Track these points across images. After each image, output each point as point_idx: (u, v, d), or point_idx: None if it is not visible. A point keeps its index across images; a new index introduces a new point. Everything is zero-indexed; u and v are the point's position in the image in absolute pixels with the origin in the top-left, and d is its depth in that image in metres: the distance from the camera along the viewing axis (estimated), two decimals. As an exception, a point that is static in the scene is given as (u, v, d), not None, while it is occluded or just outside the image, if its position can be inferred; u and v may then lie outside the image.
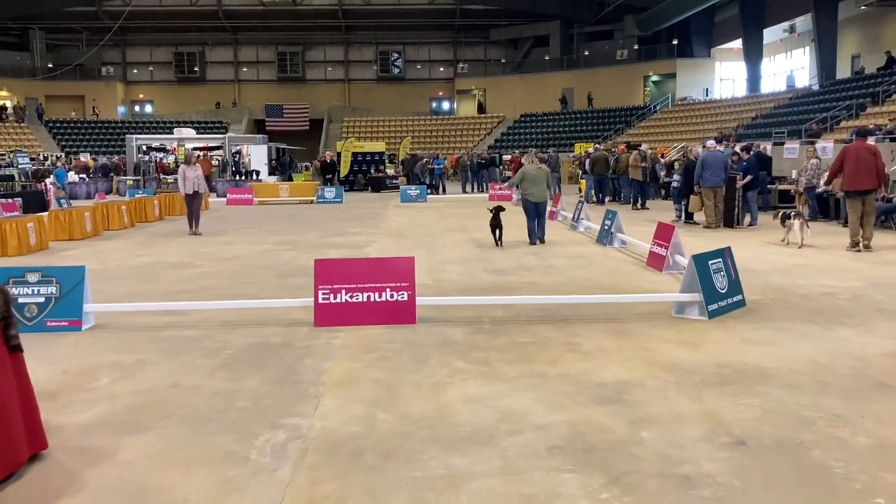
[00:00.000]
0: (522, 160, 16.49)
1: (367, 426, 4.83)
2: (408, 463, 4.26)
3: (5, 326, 4.19)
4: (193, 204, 17.04)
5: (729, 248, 8.44)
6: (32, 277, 7.66)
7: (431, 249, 13.65)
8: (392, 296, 7.60)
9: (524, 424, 4.81)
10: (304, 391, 5.56)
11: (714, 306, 7.75)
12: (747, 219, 16.82)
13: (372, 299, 7.59)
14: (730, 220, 16.52)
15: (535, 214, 14.29)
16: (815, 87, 38.58)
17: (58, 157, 44.41)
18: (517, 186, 14.76)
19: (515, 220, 15.68)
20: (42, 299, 7.61)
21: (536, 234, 14.28)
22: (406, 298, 7.60)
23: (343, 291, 7.61)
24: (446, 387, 5.61)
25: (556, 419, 4.89)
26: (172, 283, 10.53)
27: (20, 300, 7.57)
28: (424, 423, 4.87)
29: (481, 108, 59.30)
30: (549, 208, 15.31)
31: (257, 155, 38.38)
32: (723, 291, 7.95)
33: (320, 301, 7.62)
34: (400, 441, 4.56)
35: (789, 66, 46.41)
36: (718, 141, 27.02)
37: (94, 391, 5.64)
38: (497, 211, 14.18)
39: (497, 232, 14.17)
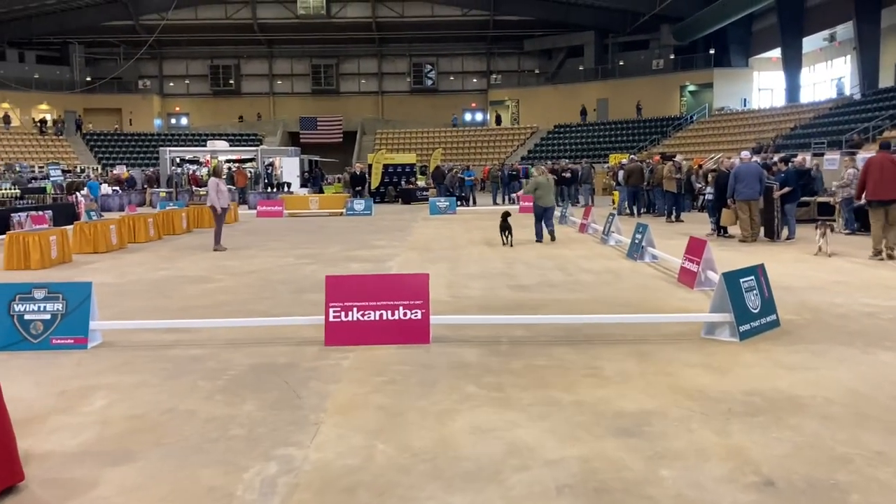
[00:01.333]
0: (533, 171, 19.47)
1: (365, 458, 4.50)
2: (403, 502, 3.93)
3: (-24, 352, 3.95)
4: (224, 218, 16.80)
5: (762, 265, 8.00)
6: (39, 294, 7.47)
7: (455, 263, 13.33)
8: (405, 314, 7.29)
9: (533, 459, 4.45)
10: (303, 418, 5.26)
11: (746, 327, 7.32)
12: (784, 232, 16.23)
13: (384, 318, 7.28)
14: (769, 231, 15.98)
15: (543, 217, 16.74)
16: (857, 97, 37.66)
17: (94, 170, 44.98)
18: (533, 193, 16.93)
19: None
20: (48, 316, 7.40)
21: (544, 233, 16.79)
22: (420, 317, 7.28)
23: (355, 309, 7.31)
24: (453, 415, 5.27)
25: (568, 453, 4.53)
26: (188, 298, 10.33)
27: (26, 317, 7.39)
28: (426, 455, 4.54)
29: (499, 121, 58.96)
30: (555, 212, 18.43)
31: (289, 167, 38.47)
32: (755, 311, 7.52)
33: (331, 319, 7.33)
34: (397, 476, 4.23)
35: (830, 75, 45.42)
36: (756, 152, 26.46)
37: (85, 415, 5.38)
38: (505, 216, 16.43)
39: (505, 233, 16.26)
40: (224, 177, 17.24)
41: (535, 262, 13.29)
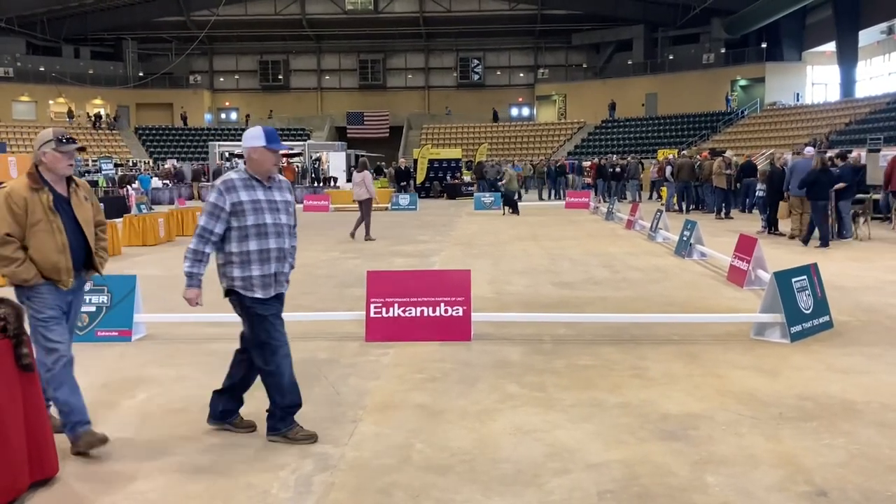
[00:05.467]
0: (505, 168, 28.22)
1: (402, 459, 4.43)
2: (439, 504, 3.85)
3: (16, 344, 3.97)
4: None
5: (815, 265, 7.76)
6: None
7: (498, 259, 13.21)
8: (446, 311, 7.20)
9: (574, 462, 4.34)
10: (341, 415, 5.21)
11: (797, 328, 7.09)
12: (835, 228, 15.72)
13: (425, 314, 7.21)
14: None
15: (511, 196, 24.99)
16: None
17: (146, 163, 45.72)
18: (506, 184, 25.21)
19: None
20: (93, 308, 7.47)
21: (511, 210, 24.69)
22: (461, 314, 7.20)
23: (396, 305, 7.26)
24: (493, 415, 5.17)
25: (611, 457, 4.40)
26: (232, 291, 10.35)
27: (72, 309, 7.47)
28: (464, 456, 4.45)
29: (495, 117, 58.47)
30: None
31: (336, 162, 38.66)
32: (807, 312, 7.28)
33: (372, 315, 7.28)
34: (434, 478, 4.15)
35: (888, 69, 44.12)
36: (813, 146, 25.81)
37: (127, 409, 5.41)
38: (510, 195, 25.03)
39: (506, 208, 24.74)
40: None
41: (580, 259, 13.12)
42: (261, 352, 4.69)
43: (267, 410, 4.76)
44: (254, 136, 4.64)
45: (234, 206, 4.53)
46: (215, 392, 4.93)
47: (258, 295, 4.64)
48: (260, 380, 4.78)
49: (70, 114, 53.01)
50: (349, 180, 37.97)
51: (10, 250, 4.40)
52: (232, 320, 8.01)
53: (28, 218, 4.42)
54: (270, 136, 4.64)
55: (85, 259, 4.72)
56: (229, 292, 4.69)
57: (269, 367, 4.68)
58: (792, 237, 15.30)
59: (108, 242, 5.02)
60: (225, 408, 4.90)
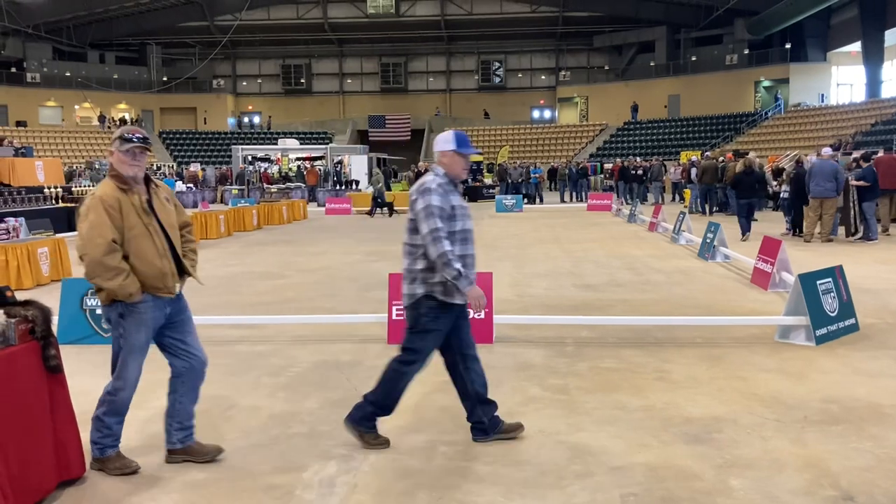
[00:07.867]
0: (375, 170, 29.52)
1: (425, 460, 4.44)
2: (462, 507, 3.86)
3: (44, 346, 4.01)
4: None
5: (840, 267, 7.68)
6: (110, 289, 7.62)
7: (520, 262, 13.20)
8: (468, 313, 7.18)
9: (598, 465, 4.33)
10: (364, 417, 5.22)
11: (822, 331, 7.02)
12: (864, 230, 15.56)
13: (447, 317, 7.20)
14: (850, 230, 15.43)
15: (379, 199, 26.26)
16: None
17: (170, 167, 46.15)
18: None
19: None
20: (119, 311, 7.55)
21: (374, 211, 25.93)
22: (482, 316, 7.18)
23: (418, 308, 7.26)
24: (516, 417, 5.14)
25: (634, 460, 4.39)
26: (256, 294, 10.46)
27: (98, 311, 7.55)
28: (487, 458, 4.45)
29: (486, 115, 58.21)
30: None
31: (357, 165, 38.83)
32: (833, 314, 7.21)
33: (395, 317, 7.30)
34: (457, 480, 4.16)
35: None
36: (835, 149, 25.59)
37: (150, 410, 5.44)
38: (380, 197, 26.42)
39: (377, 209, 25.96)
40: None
41: (603, 261, 13.07)
42: (406, 355, 4.63)
43: (363, 397, 4.71)
44: (445, 141, 4.65)
45: (452, 209, 4.49)
46: (474, 405, 4.76)
47: (457, 301, 4.57)
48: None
49: (102, 118, 53.72)
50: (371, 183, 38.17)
51: (118, 259, 4.07)
52: (255, 323, 8.11)
53: (124, 222, 4.11)
54: (461, 140, 4.64)
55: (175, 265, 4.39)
56: (425, 298, 4.52)
57: (400, 370, 4.63)
58: (807, 240, 15.19)
59: (196, 244, 4.71)
60: (489, 416, 4.76)
